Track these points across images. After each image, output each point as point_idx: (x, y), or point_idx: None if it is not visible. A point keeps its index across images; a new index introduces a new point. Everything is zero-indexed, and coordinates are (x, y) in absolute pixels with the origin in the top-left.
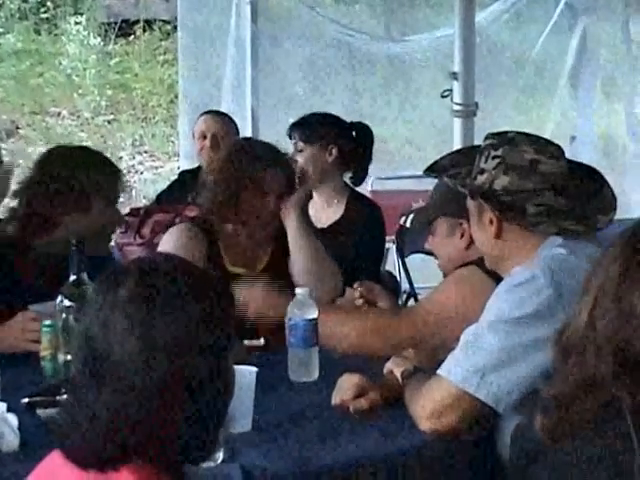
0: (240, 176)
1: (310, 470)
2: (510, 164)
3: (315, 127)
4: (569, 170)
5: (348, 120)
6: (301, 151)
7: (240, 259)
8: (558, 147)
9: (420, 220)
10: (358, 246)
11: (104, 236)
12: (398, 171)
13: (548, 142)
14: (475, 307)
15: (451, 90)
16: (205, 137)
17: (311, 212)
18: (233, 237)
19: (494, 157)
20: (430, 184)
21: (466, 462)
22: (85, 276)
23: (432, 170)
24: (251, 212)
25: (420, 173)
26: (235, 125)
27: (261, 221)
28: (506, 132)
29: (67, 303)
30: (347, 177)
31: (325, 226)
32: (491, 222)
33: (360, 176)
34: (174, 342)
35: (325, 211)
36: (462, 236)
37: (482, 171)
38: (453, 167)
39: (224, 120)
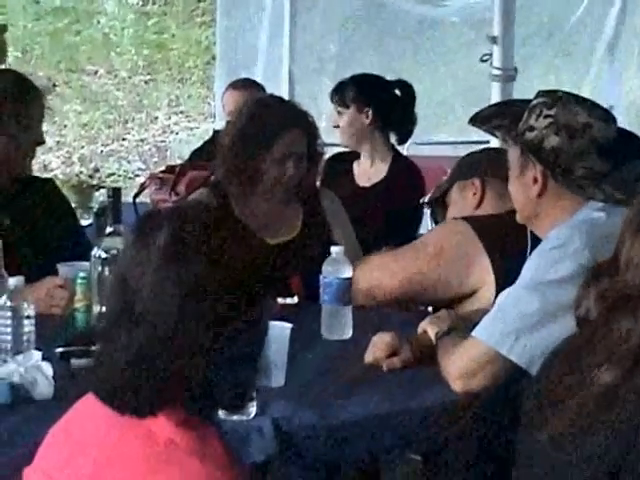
0: (254, 142)
1: (339, 424)
2: (562, 124)
3: (350, 90)
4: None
5: None
6: (341, 114)
7: (261, 228)
8: (608, 111)
9: (434, 195)
10: (397, 208)
11: (24, 157)
12: (432, 135)
13: (599, 106)
14: (450, 254)
15: (490, 54)
16: None
17: (356, 171)
18: (251, 206)
19: (546, 116)
20: (464, 151)
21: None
22: (121, 227)
23: (475, 121)
24: (267, 179)
25: (454, 139)
26: (264, 92)
27: (280, 188)
28: (556, 91)
29: (103, 255)
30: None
31: (368, 185)
32: (535, 181)
33: (403, 134)
34: (208, 288)
35: (369, 171)
36: (474, 194)
37: (531, 128)
38: (496, 118)
39: (251, 93)
